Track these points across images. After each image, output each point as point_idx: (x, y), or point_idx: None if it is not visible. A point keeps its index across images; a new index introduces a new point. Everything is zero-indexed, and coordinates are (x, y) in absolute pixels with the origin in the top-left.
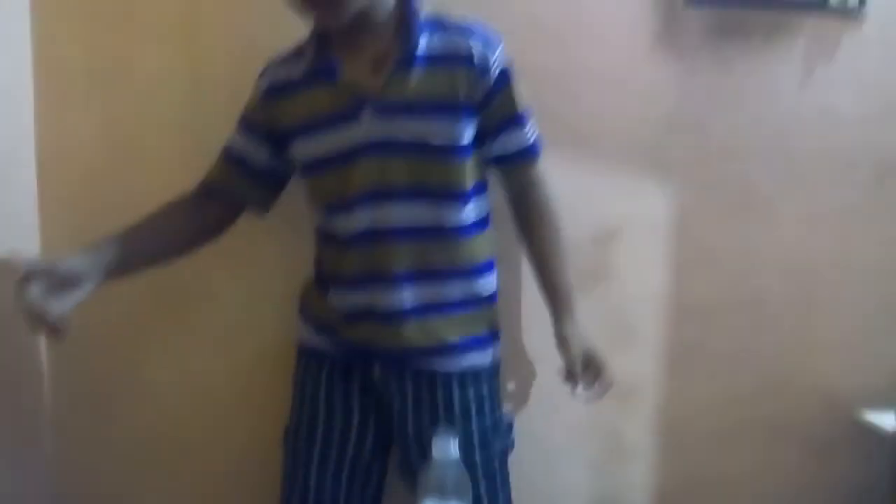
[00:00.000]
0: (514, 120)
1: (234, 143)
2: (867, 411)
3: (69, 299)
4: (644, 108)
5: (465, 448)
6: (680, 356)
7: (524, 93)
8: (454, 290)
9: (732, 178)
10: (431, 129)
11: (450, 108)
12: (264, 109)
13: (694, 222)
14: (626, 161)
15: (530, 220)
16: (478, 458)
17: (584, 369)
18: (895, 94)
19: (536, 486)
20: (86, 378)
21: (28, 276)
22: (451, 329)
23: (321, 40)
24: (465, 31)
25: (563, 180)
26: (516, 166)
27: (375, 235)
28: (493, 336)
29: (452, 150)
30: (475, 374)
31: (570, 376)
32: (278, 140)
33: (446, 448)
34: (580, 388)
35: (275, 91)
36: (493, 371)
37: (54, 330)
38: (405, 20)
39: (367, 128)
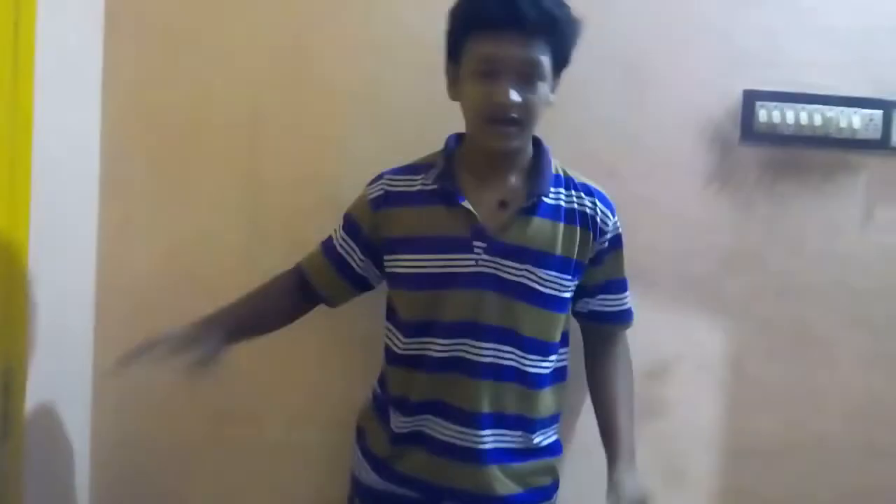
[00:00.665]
0: (617, 283)
1: (337, 240)
2: None
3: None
4: (699, 243)
5: None
6: (734, 499)
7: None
8: (525, 438)
9: (790, 315)
10: (541, 277)
11: (563, 261)
12: (372, 216)
13: (749, 360)
14: (682, 296)
15: (608, 370)
16: None
17: None
18: None
19: None
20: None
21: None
22: (522, 477)
23: (450, 162)
24: (589, 190)
25: None
26: (609, 326)
27: (460, 366)
28: (555, 486)
29: (555, 301)
30: None
31: None
32: (378, 248)
33: None
34: None
35: (389, 200)
36: None
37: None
38: (539, 168)
39: (478, 259)
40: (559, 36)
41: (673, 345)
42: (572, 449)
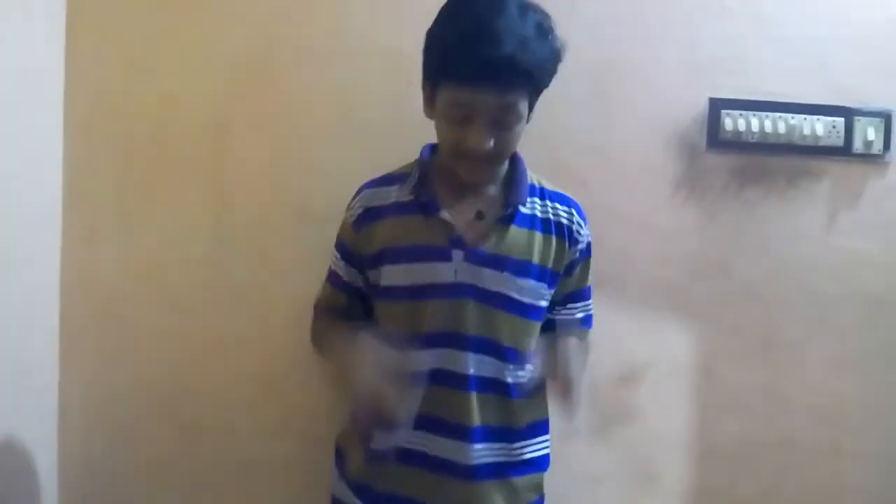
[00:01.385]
0: (584, 291)
1: (338, 269)
2: None
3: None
4: (667, 251)
5: None
6: (705, 500)
7: None
8: (507, 449)
9: (757, 320)
10: (520, 286)
11: (540, 270)
12: (356, 238)
13: (718, 365)
14: (650, 303)
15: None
16: None
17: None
18: None
19: None
20: None
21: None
22: (512, 492)
23: (425, 173)
24: (564, 200)
25: None
26: (572, 331)
27: (445, 379)
28: (541, 502)
29: (533, 310)
30: None
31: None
32: (364, 262)
33: None
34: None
35: (368, 217)
36: None
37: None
38: (515, 178)
39: (456, 269)
40: (537, 82)
41: (642, 350)
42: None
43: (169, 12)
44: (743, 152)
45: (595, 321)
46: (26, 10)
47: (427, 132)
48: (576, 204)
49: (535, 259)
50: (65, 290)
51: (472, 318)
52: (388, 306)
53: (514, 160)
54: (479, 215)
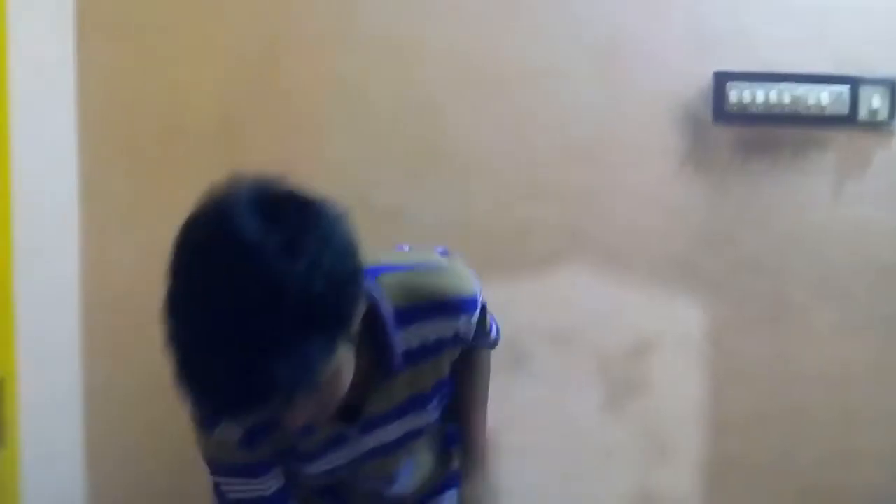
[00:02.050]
0: (484, 335)
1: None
2: None
3: None
4: (675, 224)
5: None
6: (718, 470)
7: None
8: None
9: (765, 290)
10: (422, 418)
11: (437, 383)
12: (252, 457)
13: (728, 335)
14: (659, 276)
15: (465, 368)
16: None
17: None
18: None
19: None
20: None
21: None
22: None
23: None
24: (442, 307)
25: (596, 295)
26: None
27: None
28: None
29: (438, 407)
30: None
31: None
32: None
33: None
34: None
35: (253, 437)
36: None
37: None
38: (382, 345)
39: (355, 446)
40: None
41: (653, 323)
42: None
43: (177, 5)
44: (749, 124)
45: (603, 294)
46: (36, 4)
47: (427, 121)
48: (455, 299)
49: (430, 383)
50: (84, 282)
51: (392, 461)
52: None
53: (376, 321)
54: (355, 392)
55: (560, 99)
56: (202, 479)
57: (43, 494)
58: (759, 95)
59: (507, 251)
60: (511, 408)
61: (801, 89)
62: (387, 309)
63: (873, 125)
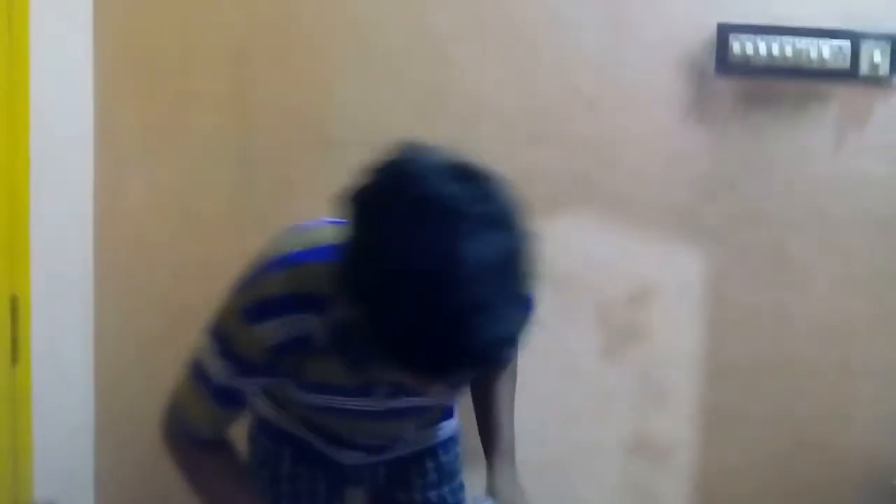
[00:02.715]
0: None
1: (231, 384)
2: None
3: None
4: (677, 173)
5: None
6: (714, 419)
7: None
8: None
9: (765, 241)
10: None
11: None
12: (266, 363)
13: (727, 285)
14: (660, 224)
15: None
16: None
17: None
18: None
19: None
20: None
21: None
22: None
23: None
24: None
25: (598, 242)
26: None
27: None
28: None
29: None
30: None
31: None
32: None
33: None
34: None
35: (283, 350)
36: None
37: None
38: None
39: (379, 401)
40: None
41: (654, 271)
42: None
43: None
44: (751, 76)
45: (605, 241)
46: None
47: (441, 67)
48: None
49: None
50: (98, 218)
51: (399, 426)
52: (305, 412)
53: None
54: None
55: (563, 46)
56: None
57: (53, 407)
58: (761, 48)
59: None
60: None
61: (803, 43)
62: None
63: (874, 80)
